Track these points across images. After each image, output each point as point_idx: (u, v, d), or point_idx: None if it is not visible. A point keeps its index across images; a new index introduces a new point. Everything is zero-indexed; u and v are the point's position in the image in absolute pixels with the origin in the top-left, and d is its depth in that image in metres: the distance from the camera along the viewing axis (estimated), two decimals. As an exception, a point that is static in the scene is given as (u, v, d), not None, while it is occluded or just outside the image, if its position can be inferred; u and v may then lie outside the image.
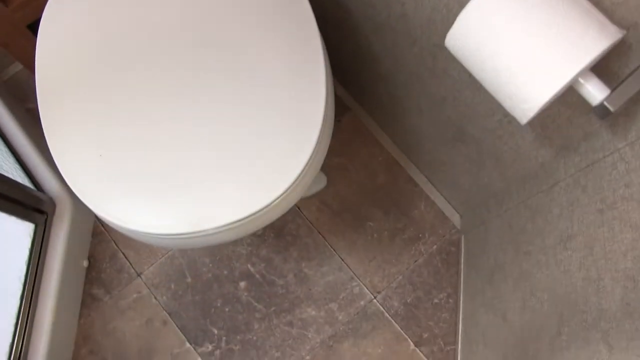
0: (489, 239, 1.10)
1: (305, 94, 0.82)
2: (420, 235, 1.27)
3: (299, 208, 1.28)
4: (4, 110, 1.22)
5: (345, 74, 1.27)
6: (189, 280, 1.26)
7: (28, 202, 1.09)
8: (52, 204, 1.16)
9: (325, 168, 1.28)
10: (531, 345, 0.87)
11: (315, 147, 0.80)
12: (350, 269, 1.25)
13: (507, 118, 0.85)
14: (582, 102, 0.72)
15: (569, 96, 0.73)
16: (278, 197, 0.79)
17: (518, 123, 0.84)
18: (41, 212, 1.13)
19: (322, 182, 1.16)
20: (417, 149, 1.22)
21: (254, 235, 1.27)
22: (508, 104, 0.63)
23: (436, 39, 0.86)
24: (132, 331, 1.23)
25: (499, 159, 0.96)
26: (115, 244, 1.27)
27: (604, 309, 0.69)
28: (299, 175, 0.79)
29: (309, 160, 0.79)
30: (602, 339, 0.68)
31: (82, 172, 0.81)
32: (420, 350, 1.23)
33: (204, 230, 0.79)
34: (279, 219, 1.26)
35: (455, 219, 1.26)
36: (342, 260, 1.26)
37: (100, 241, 1.28)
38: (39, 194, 1.13)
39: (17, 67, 1.38)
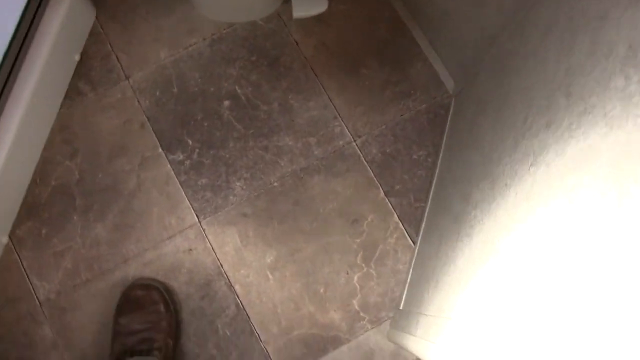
0: (479, 84, 1.11)
1: None
2: (412, 92, 1.28)
3: (297, 43, 1.31)
4: None
5: None
6: (175, 90, 1.28)
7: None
8: (58, -20, 1.21)
9: (331, 4, 1.30)
10: (505, 155, 0.89)
11: None
12: (336, 108, 1.27)
13: None
14: None
15: None
16: None
17: None
18: (45, -20, 1.18)
19: (324, 4, 1.18)
20: (424, 7, 1.24)
21: (248, 59, 1.30)
22: None
23: None
24: (109, 128, 1.26)
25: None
26: (111, 46, 1.31)
27: (571, 66, 0.71)
28: None
29: None
30: (565, 98, 0.69)
31: None
32: (389, 200, 1.24)
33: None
34: (275, 48, 1.28)
35: (450, 85, 1.27)
36: (330, 99, 1.28)
37: (95, 41, 1.32)
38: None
39: None
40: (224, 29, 1.33)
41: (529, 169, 0.74)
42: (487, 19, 1.07)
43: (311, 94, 1.28)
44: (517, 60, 0.92)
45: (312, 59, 1.30)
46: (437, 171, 1.24)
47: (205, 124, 1.26)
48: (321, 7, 1.17)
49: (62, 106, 1.27)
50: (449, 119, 1.25)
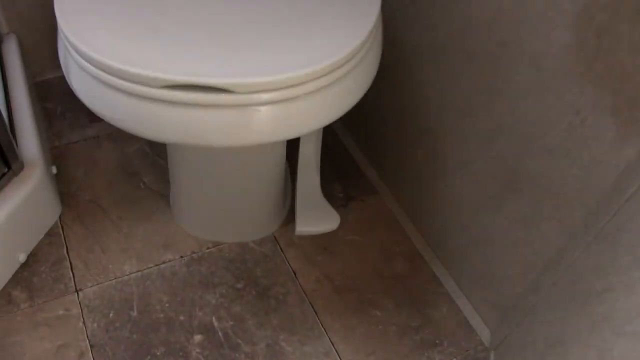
0: (539, 327, 0.87)
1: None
2: (438, 342, 1.01)
3: (294, 273, 1.08)
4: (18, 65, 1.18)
5: (376, 151, 1.19)
6: (134, 314, 0.99)
7: (2, 142, 0.95)
8: (21, 165, 1.01)
9: (338, 233, 1.12)
10: None
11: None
12: (340, 358, 0.98)
13: (579, 116, 0.74)
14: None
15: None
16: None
17: (594, 119, 0.72)
18: (5, 161, 0.98)
19: (334, 221, 0.98)
20: (448, 238, 1.06)
21: (233, 286, 1.04)
22: None
23: (501, 35, 0.80)
24: (35, 355, 0.93)
25: (563, 196, 0.80)
26: (67, 251, 1.05)
27: None
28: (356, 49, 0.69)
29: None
30: None
31: (85, 24, 0.71)
32: None
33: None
34: (267, 276, 1.04)
35: (484, 334, 1.02)
36: (333, 345, 0.99)
37: (51, 243, 1.06)
38: (12, 142, 0.99)
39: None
40: (207, 248, 1.10)
41: None
42: (544, 241, 0.87)
43: (309, 336, 1.01)
44: (611, 278, 0.70)
45: (313, 293, 1.06)
46: None
47: (166, 362, 0.95)
48: (331, 224, 0.97)
49: (-20, 318, 0.97)
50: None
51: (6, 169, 0.98)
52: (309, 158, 0.99)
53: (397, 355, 0.99)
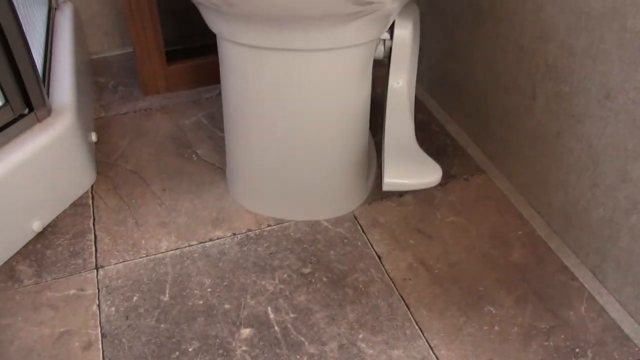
0: None
1: None
2: (578, 350, 0.65)
3: (379, 257, 0.76)
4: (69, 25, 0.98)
5: (479, 125, 0.88)
6: (165, 299, 0.70)
7: (25, 79, 0.73)
8: (47, 111, 0.77)
9: (436, 214, 0.79)
10: None
11: None
12: (443, 368, 0.64)
13: None
14: None
15: None
16: None
17: None
18: (26, 101, 0.74)
19: (435, 173, 0.65)
20: (579, 217, 0.72)
21: (298, 271, 0.73)
22: None
23: None
24: (29, 342, 0.65)
25: None
26: (93, 223, 0.79)
27: None
28: None
29: None
30: None
31: None
32: None
33: None
34: (343, 261, 0.73)
35: (648, 346, 0.65)
36: (431, 349, 0.65)
37: (75, 214, 0.80)
38: (41, 87, 0.76)
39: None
40: (268, 225, 0.82)
41: None
42: None
43: (398, 337, 0.67)
44: None
45: (404, 283, 0.74)
46: None
47: (200, 361, 0.65)
48: (430, 177, 0.65)
49: (-26, 294, 0.70)
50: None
51: (26, 110, 0.74)
52: (400, 95, 0.69)
53: (528, 367, 0.63)
